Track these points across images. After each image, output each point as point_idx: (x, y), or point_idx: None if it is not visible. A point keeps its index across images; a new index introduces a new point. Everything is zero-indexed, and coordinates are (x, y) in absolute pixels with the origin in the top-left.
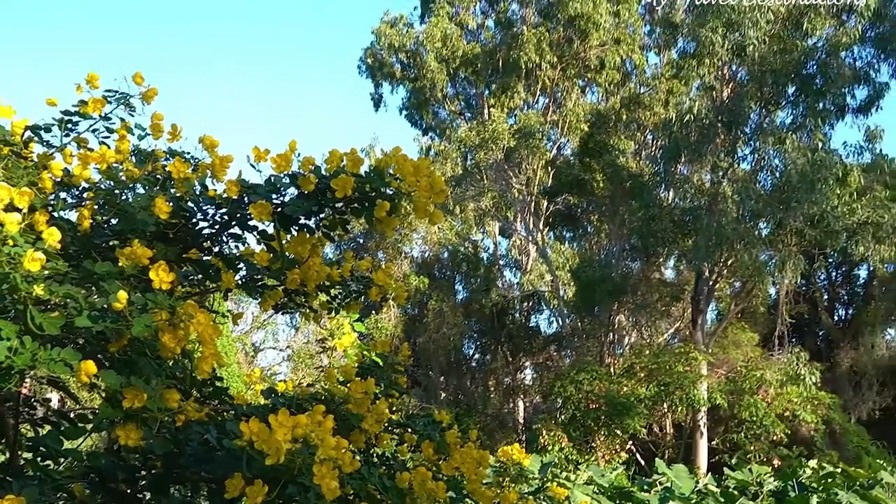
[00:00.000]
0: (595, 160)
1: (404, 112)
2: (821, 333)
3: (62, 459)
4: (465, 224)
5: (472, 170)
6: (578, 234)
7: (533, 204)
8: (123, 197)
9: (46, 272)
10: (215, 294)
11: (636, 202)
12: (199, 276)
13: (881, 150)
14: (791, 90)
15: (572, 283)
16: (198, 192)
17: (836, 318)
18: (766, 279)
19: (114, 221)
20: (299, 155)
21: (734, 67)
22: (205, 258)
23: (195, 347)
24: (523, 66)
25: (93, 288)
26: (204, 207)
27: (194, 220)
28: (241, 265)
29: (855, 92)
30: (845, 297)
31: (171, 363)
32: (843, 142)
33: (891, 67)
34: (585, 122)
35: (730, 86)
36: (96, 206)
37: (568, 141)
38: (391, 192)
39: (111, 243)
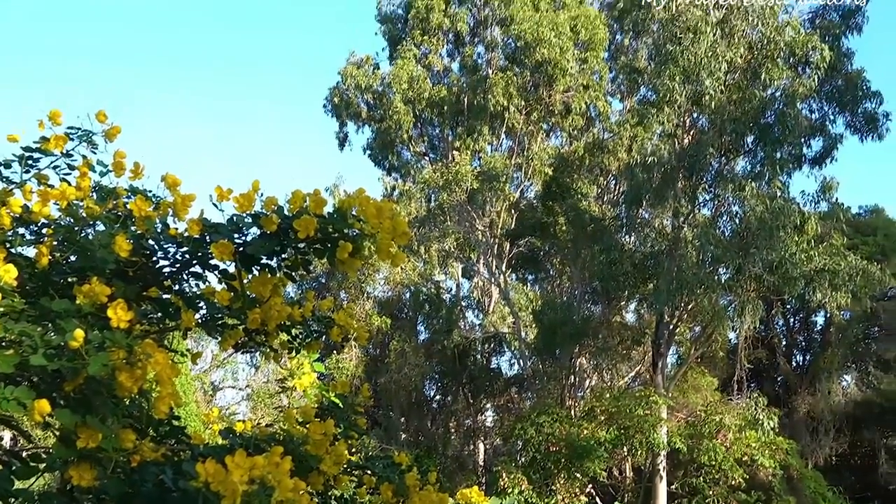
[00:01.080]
0: (558, 204)
1: (369, 152)
2: (779, 379)
3: (13, 500)
4: (429, 265)
5: (436, 211)
6: (541, 276)
7: (496, 246)
8: (83, 234)
9: (2, 309)
10: (174, 332)
11: (598, 246)
12: (159, 314)
13: (837, 199)
14: (750, 139)
15: (534, 326)
16: (159, 231)
17: (793, 363)
18: (726, 324)
19: (73, 259)
20: (262, 194)
21: (695, 115)
22: (165, 297)
23: (152, 387)
24: (491, 109)
25: (49, 325)
26: (165, 246)
27: (155, 259)
28: (202, 304)
29: (811, 143)
30: (803, 343)
31: (127, 402)
32: (801, 190)
33: (845, 120)
34: (549, 165)
35: (691, 133)
36: (55, 243)
37: (531, 184)
38: (354, 234)
39: (69, 280)
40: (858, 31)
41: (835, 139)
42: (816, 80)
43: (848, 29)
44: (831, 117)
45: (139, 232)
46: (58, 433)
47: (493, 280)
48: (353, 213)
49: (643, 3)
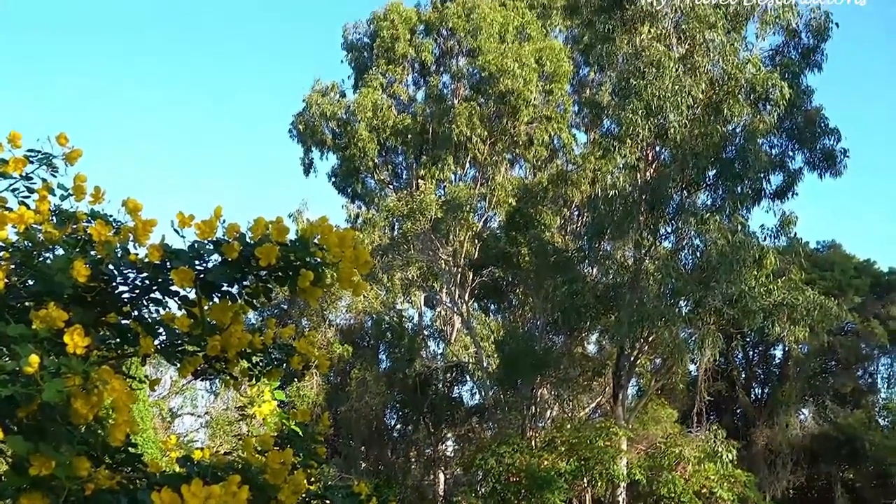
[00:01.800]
0: (521, 234)
1: (333, 179)
2: (738, 411)
3: None
4: (391, 293)
5: (400, 239)
6: (503, 306)
7: (459, 275)
8: (41, 258)
9: None
10: (133, 358)
11: (560, 277)
12: (117, 340)
13: (796, 234)
14: (711, 173)
15: (496, 356)
16: (119, 256)
17: (752, 396)
18: (686, 356)
19: (30, 283)
20: (224, 221)
21: (657, 148)
22: (123, 322)
23: (109, 413)
24: (455, 139)
25: (4, 350)
26: (125, 271)
27: (114, 284)
28: (161, 330)
29: (771, 178)
30: (761, 376)
31: (82, 429)
32: (761, 225)
33: (804, 156)
34: (513, 196)
35: (653, 166)
36: (12, 267)
37: (495, 214)
38: (316, 262)
39: (26, 305)
40: (818, 69)
41: (794, 175)
42: (776, 116)
43: (808, 66)
44: (791, 153)
45: (99, 257)
46: (10, 460)
47: (455, 309)
48: (316, 241)
49: (610, 36)
